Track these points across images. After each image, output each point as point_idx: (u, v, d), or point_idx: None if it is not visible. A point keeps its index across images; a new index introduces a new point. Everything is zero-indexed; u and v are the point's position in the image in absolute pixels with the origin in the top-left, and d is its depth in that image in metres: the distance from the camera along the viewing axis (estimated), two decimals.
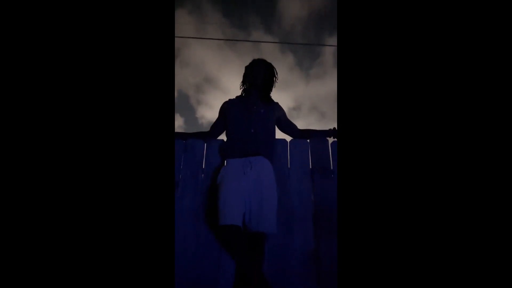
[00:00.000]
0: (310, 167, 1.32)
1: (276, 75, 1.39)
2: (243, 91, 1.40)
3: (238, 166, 1.18)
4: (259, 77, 1.33)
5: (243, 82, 1.40)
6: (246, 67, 1.39)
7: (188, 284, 1.12)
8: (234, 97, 1.41)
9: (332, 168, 1.32)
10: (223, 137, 1.39)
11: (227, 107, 1.36)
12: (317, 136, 1.38)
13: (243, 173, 1.15)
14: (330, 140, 1.37)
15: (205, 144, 1.37)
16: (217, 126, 1.39)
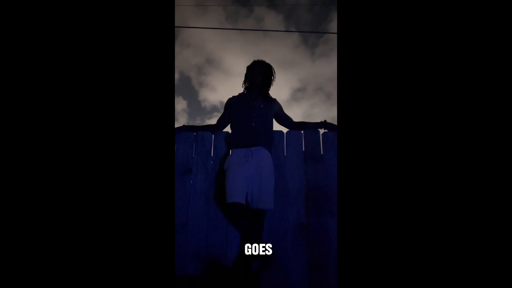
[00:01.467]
0: (303, 154, 1.53)
1: (274, 75, 1.58)
2: (245, 89, 1.59)
3: (241, 155, 1.39)
4: (258, 76, 1.53)
5: (245, 81, 1.59)
6: (248, 68, 1.58)
7: (201, 254, 1.37)
8: (237, 94, 1.61)
9: (322, 154, 1.53)
10: (228, 129, 1.60)
11: (231, 103, 1.56)
12: (310, 127, 1.58)
13: (245, 161, 1.37)
14: (321, 131, 1.57)
15: (213, 135, 1.58)
16: (223, 120, 1.60)
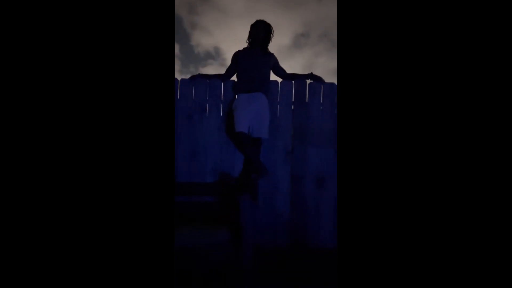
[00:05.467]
0: (293, 100, 2.00)
1: (272, 33, 1.93)
2: (249, 44, 1.96)
3: (245, 99, 1.85)
4: (260, 34, 1.88)
5: (249, 37, 1.94)
6: (251, 26, 1.92)
7: (216, 169, 1.94)
8: (242, 49, 1.98)
9: (307, 101, 1.99)
10: (234, 78, 2.02)
11: (237, 57, 1.95)
12: (299, 78, 2.01)
13: (248, 103, 1.84)
14: (308, 81, 2.00)
15: (222, 83, 2.01)
16: (230, 70, 2.00)
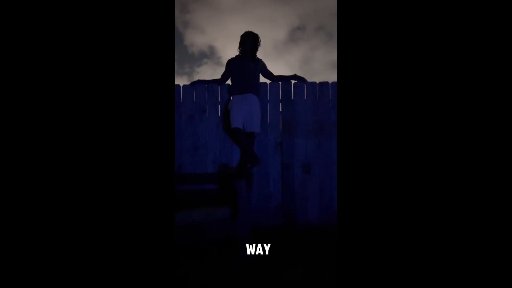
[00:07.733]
0: (280, 98, 2.30)
1: (259, 42, 2.23)
2: (240, 52, 2.26)
3: (239, 99, 2.15)
4: (248, 44, 2.19)
5: (239, 46, 2.25)
6: (241, 36, 2.22)
7: (216, 160, 2.25)
8: (234, 56, 2.28)
9: (292, 98, 2.30)
10: (229, 82, 2.32)
11: (230, 63, 2.26)
12: (285, 79, 2.31)
13: (242, 103, 2.14)
14: (293, 81, 2.31)
15: (219, 86, 2.32)
16: (225, 76, 2.30)
